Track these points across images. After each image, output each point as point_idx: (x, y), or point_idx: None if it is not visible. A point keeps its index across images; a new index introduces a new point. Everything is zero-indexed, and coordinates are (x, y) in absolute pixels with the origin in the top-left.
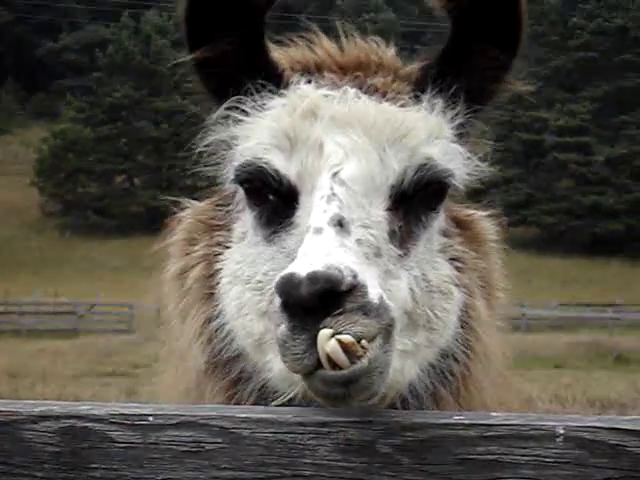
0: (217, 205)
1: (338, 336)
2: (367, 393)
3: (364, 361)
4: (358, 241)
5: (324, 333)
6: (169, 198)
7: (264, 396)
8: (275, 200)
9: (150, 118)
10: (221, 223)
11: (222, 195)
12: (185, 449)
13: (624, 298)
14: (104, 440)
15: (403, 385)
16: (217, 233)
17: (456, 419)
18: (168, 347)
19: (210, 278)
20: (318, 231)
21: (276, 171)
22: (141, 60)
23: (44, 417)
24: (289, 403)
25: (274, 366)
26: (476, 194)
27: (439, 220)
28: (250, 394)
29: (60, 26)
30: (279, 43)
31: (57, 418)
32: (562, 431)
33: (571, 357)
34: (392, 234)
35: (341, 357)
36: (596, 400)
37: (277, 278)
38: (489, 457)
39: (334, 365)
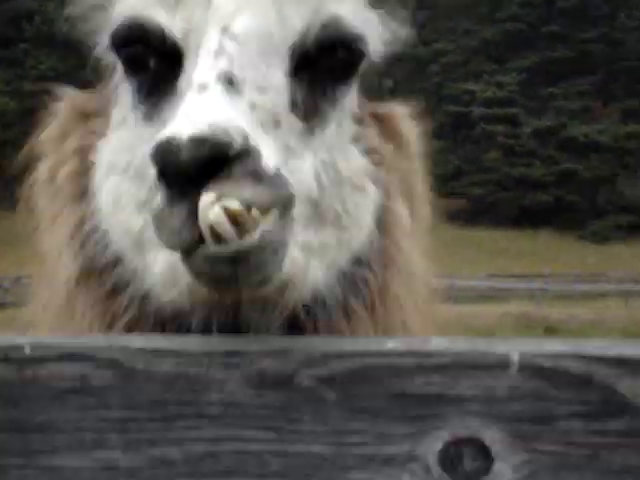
0: (96, 93)
1: (223, 202)
2: (259, 275)
3: (254, 234)
4: (251, 105)
5: (206, 198)
6: (42, 88)
7: (145, 305)
8: (157, 66)
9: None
10: (98, 110)
11: (101, 82)
12: (68, 386)
13: (552, 269)
14: None
15: (306, 287)
16: (93, 122)
17: (391, 346)
18: (39, 264)
19: (84, 174)
20: (202, 87)
21: (159, 26)
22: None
23: None
24: (172, 308)
25: (155, 267)
26: None
27: (351, 100)
28: (128, 304)
29: None
30: None
31: None
32: (516, 358)
33: (501, 328)
34: (294, 104)
35: (227, 227)
36: None
37: (151, 145)
38: (429, 390)
39: (219, 238)
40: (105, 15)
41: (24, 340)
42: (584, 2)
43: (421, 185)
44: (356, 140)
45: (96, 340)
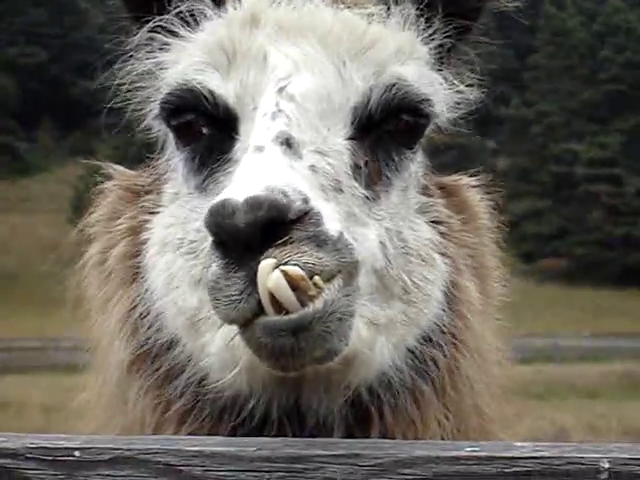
0: (147, 170)
1: (283, 267)
2: (324, 347)
3: (318, 302)
4: (311, 167)
5: (265, 264)
6: (88, 162)
7: (201, 391)
8: (210, 133)
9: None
10: (149, 187)
11: (152, 161)
12: None
13: None
14: None
15: (372, 365)
16: (144, 199)
17: (469, 451)
18: (90, 353)
19: (136, 255)
20: (259, 149)
21: (210, 92)
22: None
23: None
24: (230, 393)
25: (212, 348)
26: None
27: (416, 167)
28: (183, 390)
29: (95, 66)
30: None
31: None
32: (607, 465)
33: (604, 387)
34: (356, 169)
35: (288, 294)
36: (632, 430)
37: (205, 210)
38: None
39: (279, 307)
40: (155, 83)
41: (74, 442)
42: None
43: (492, 261)
44: (422, 211)
45: (150, 442)
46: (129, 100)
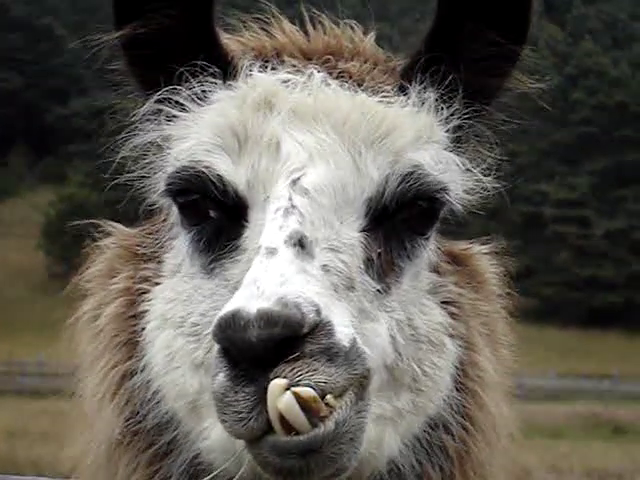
0: (147, 232)
1: (295, 389)
2: (333, 467)
3: (329, 423)
4: (324, 267)
5: (276, 384)
6: (87, 221)
7: (196, 472)
8: (218, 217)
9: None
10: (150, 253)
11: (154, 221)
12: None
13: (621, 370)
14: None
15: (381, 461)
16: (144, 265)
17: None
18: (78, 406)
19: (132, 319)
20: (271, 252)
21: (219, 177)
22: None
23: None
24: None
25: (212, 433)
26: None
27: (428, 251)
28: (179, 470)
29: (69, 92)
30: (228, 28)
31: None
32: None
33: (569, 427)
34: (369, 263)
35: (299, 417)
36: (594, 471)
37: (215, 318)
38: None
39: (289, 428)
40: (160, 156)
41: None
42: None
43: (503, 327)
44: (433, 292)
45: None
46: (133, 172)
